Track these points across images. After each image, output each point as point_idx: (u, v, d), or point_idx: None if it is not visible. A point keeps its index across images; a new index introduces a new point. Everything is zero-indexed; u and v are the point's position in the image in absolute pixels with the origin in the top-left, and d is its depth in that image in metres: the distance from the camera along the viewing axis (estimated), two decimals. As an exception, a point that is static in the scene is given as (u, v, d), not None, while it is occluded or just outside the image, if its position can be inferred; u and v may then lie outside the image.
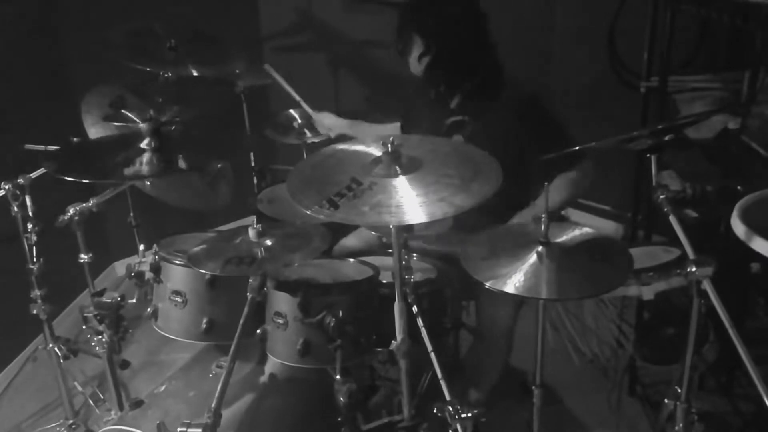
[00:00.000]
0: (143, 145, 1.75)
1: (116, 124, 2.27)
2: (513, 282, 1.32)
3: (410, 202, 1.30)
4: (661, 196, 1.56)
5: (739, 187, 1.75)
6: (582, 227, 1.50)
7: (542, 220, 1.39)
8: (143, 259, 1.82)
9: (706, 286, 1.40)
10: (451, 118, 2.03)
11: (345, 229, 2.23)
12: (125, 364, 1.94)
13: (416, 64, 1.99)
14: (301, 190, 1.38)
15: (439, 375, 1.50)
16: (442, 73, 1.99)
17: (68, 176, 1.64)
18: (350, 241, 2.21)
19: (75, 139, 2.13)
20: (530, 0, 3.24)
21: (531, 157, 1.94)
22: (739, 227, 1.44)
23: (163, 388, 1.84)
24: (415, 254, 1.92)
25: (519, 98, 1.99)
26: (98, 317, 1.74)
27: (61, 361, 2.08)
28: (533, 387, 1.63)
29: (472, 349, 2.20)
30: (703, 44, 2.64)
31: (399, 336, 1.47)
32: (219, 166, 2.32)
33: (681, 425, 1.58)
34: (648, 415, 2.28)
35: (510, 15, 2.19)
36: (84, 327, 1.79)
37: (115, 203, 2.12)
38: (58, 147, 1.95)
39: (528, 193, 2.06)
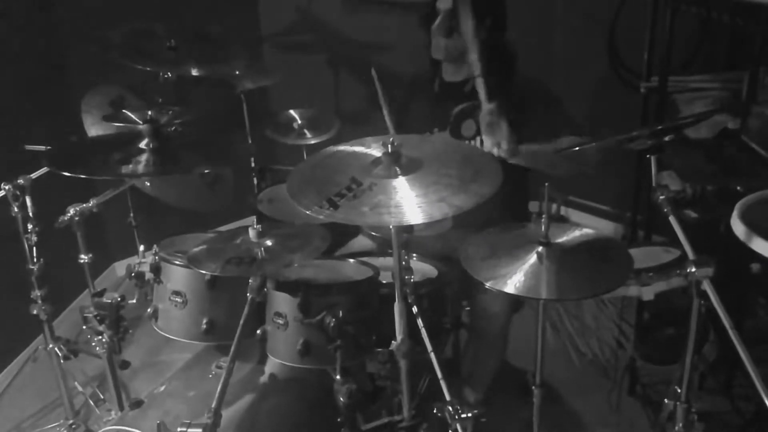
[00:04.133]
0: (142, 145, 1.76)
1: (116, 124, 2.27)
2: (513, 282, 1.32)
3: (410, 203, 1.29)
4: (661, 197, 1.56)
5: (739, 187, 1.75)
6: (582, 228, 1.50)
7: (542, 220, 1.39)
8: (143, 260, 1.82)
9: (706, 286, 1.40)
10: (459, 105, 2.03)
11: (345, 232, 2.22)
12: (125, 365, 1.94)
13: (451, 46, 2.00)
14: (301, 190, 1.38)
15: (439, 375, 1.50)
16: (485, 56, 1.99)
17: (67, 172, 1.63)
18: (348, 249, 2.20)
19: (74, 138, 2.13)
20: (530, 0, 3.24)
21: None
22: (739, 227, 1.44)
23: (163, 388, 1.84)
24: (414, 254, 1.93)
25: (528, 84, 2.07)
26: (98, 317, 1.74)
27: (62, 361, 2.08)
28: (533, 387, 1.63)
29: (467, 348, 2.20)
30: (703, 44, 2.64)
31: (399, 336, 1.47)
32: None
33: (681, 425, 1.58)
34: (648, 415, 2.28)
35: (510, 15, 2.20)
36: (84, 327, 1.79)
37: (115, 203, 2.12)
38: (52, 147, 1.94)
39: (527, 183, 2.08)
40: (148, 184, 2.31)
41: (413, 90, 2.23)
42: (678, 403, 1.58)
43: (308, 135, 2.90)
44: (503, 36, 2.06)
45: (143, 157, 1.73)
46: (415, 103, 2.19)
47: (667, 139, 1.66)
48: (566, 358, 2.61)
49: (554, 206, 3.41)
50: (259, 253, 1.59)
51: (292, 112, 2.96)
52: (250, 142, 2.87)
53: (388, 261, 1.76)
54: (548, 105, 2.07)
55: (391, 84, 2.42)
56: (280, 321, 1.68)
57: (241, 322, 1.54)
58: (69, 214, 1.90)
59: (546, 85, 2.09)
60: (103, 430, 1.71)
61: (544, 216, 1.40)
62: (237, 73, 2.71)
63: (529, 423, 1.67)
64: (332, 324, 1.57)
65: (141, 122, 1.79)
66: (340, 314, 1.58)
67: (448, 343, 2.23)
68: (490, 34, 2.01)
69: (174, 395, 1.79)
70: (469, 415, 1.40)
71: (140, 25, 2.55)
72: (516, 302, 2.07)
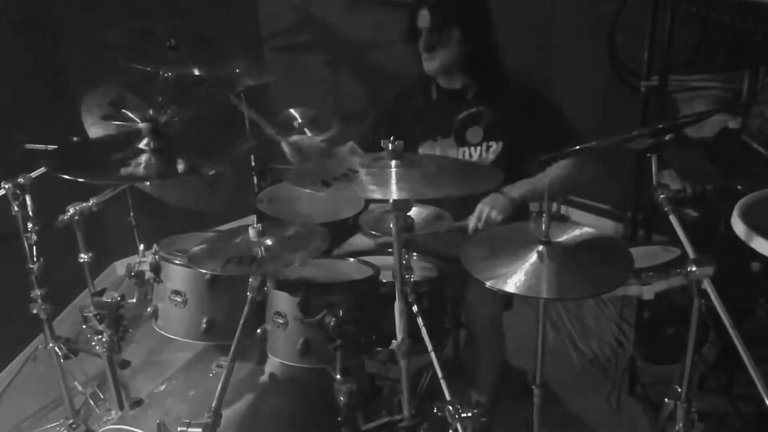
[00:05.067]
0: (142, 145, 1.75)
1: (116, 123, 2.26)
2: (513, 281, 1.32)
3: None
4: (662, 196, 1.56)
5: (739, 187, 1.75)
6: (582, 227, 1.50)
7: (542, 219, 1.39)
8: (143, 259, 1.82)
9: (707, 285, 1.40)
10: (464, 111, 2.04)
11: (343, 230, 2.22)
12: (125, 364, 1.94)
13: (441, 59, 2.01)
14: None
15: (440, 375, 1.50)
16: (474, 62, 2.03)
17: (67, 174, 1.63)
18: (347, 247, 2.20)
19: (75, 139, 2.13)
20: (530, 0, 3.24)
21: (535, 148, 1.98)
22: (739, 227, 1.44)
23: (163, 387, 1.84)
24: (415, 254, 1.93)
25: (528, 88, 2.07)
26: (98, 317, 1.74)
27: (62, 360, 2.08)
28: (533, 387, 1.63)
29: (465, 349, 2.20)
30: (703, 44, 2.64)
31: (399, 336, 1.47)
32: (214, 171, 2.31)
33: (681, 425, 1.58)
34: (648, 415, 2.28)
35: (510, 15, 2.19)
36: (84, 327, 1.79)
37: (115, 203, 2.12)
38: (57, 146, 1.94)
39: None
40: (148, 183, 2.31)
41: (410, 95, 2.22)
42: (678, 402, 1.58)
43: (308, 134, 2.89)
44: (489, 40, 2.06)
45: (143, 158, 1.73)
46: (413, 108, 2.19)
47: (667, 138, 1.66)
48: (566, 358, 2.60)
49: (554, 205, 3.41)
50: (260, 253, 1.59)
51: (292, 111, 2.95)
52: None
53: (388, 260, 1.76)
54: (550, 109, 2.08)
55: (390, 85, 2.43)
56: (280, 320, 1.68)
57: (242, 321, 1.54)
58: (69, 214, 1.90)
59: (548, 91, 2.10)
60: (103, 429, 1.71)
61: (544, 215, 1.39)
62: (237, 71, 2.70)
63: (530, 423, 1.67)
64: (332, 323, 1.57)
65: (140, 120, 1.78)
66: (340, 313, 1.58)
67: (448, 343, 2.24)
68: (478, 41, 2.01)
69: (174, 395, 1.79)
70: (470, 414, 1.40)
71: (140, 25, 2.54)
72: (504, 301, 2.07)
